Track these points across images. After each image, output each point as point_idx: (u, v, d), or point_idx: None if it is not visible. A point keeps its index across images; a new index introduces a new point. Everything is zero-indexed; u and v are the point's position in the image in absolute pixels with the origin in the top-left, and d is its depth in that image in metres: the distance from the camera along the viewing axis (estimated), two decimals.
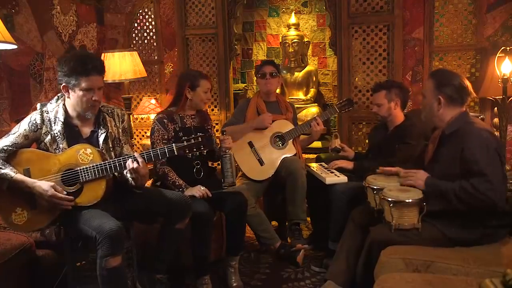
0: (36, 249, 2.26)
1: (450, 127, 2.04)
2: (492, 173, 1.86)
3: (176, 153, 2.08)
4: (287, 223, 3.01)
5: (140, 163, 2.05)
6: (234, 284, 2.56)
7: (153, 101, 3.85)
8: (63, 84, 2.07)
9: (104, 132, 2.18)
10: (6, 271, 2.06)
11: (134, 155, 2.08)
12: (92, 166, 2.04)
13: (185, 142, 2.10)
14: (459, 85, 2.02)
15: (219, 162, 2.69)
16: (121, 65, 3.31)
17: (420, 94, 3.31)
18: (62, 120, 2.11)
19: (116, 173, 2.18)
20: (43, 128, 2.10)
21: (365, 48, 3.41)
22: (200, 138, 2.11)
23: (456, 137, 1.99)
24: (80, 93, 2.05)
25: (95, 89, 2.07)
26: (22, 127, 2.09)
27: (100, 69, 2.09)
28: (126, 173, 2.16)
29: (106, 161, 2.06)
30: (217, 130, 3.74)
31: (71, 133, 2.13)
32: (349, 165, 2.84)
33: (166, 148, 2.09)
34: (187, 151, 2.10)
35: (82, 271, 2.19)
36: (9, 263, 2.08)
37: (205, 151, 2.17)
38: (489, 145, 1.89)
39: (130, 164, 2.05)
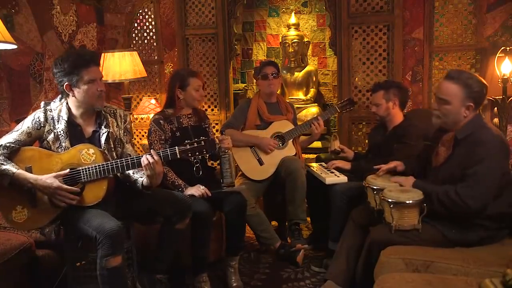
0: (36, 249, 2.26)
1: (463, 131, 1.98)
2: (482, 182, 1.86)
3: (178, 156, 2.07)
4: (287, 223, 3.01)
5: (156, 160, 2.04)
6: (234, 284, 2.56)
7: (153, 101, 3.86)
8: (66, 83, 2.08)
9: (105, 132, 2.18)
10: (6, 271, 2.06)
11: (150, 153, 2.06)
12: (95, 166, 2.04)
13: (187, 145, 2.08)
14: (486, 91, 1.97)
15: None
16: (121, 65, 3.30)
17: (420, 94, 3.35)
18: (66, 119, 2.11)
19: (118, 174, 2.17)
20: (46, 126, 2.10)
21: (365, 48, 3.41)
22: (203, 142, 2.08)
23: (469, 142, 1.95)
24: (85, 87, 2.07)
25: (97, 80, 2.11)
26: (26, 124, 2.10)
27: (96, 60, 2.18)
28: (134, 173, 2.16)
29: (109, 162, 2.06)
30: (217, 130, 3.73)
31: (74, 132, 2.14)
32: (346, 165, 2.83)
33: (169, 151, 2.08)
34: (190, 155, 2.08)
35: (82, 271, 2.18)
36: (9, 263, 2.07)
37: (207, 155, 2.16)
38: (497, 155, 1.89)
39: (145, 160, 2.03)
